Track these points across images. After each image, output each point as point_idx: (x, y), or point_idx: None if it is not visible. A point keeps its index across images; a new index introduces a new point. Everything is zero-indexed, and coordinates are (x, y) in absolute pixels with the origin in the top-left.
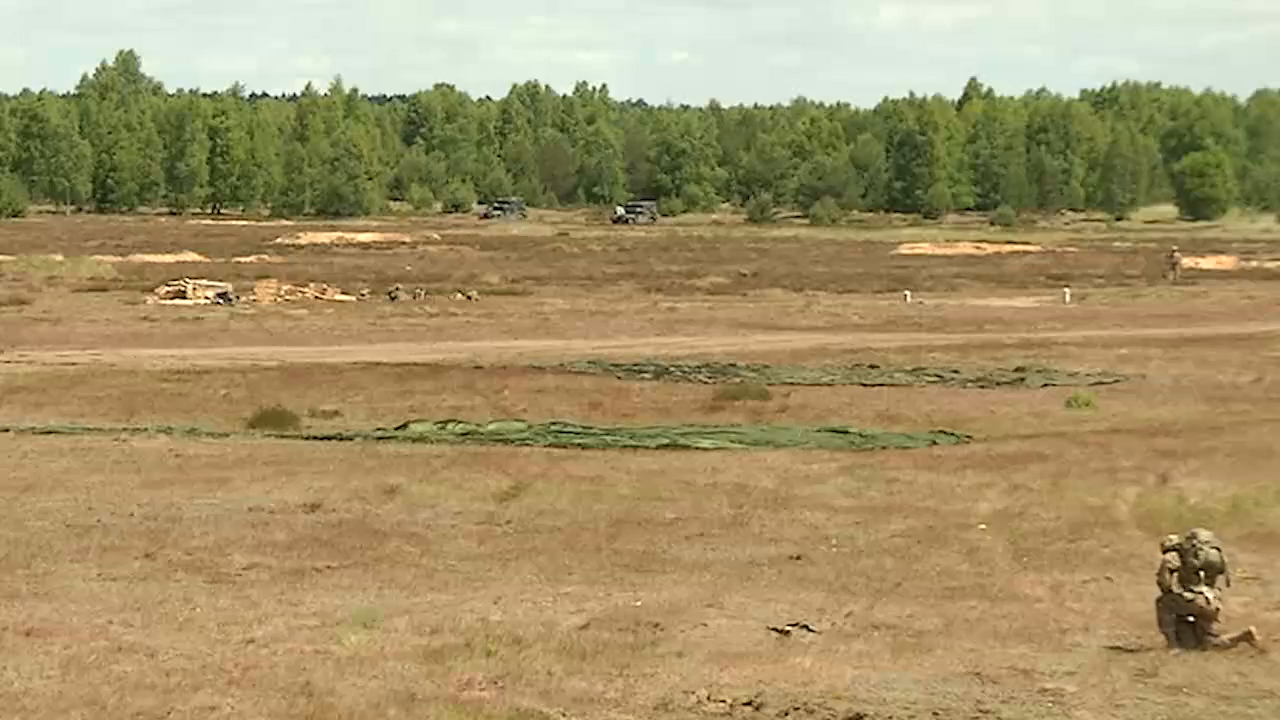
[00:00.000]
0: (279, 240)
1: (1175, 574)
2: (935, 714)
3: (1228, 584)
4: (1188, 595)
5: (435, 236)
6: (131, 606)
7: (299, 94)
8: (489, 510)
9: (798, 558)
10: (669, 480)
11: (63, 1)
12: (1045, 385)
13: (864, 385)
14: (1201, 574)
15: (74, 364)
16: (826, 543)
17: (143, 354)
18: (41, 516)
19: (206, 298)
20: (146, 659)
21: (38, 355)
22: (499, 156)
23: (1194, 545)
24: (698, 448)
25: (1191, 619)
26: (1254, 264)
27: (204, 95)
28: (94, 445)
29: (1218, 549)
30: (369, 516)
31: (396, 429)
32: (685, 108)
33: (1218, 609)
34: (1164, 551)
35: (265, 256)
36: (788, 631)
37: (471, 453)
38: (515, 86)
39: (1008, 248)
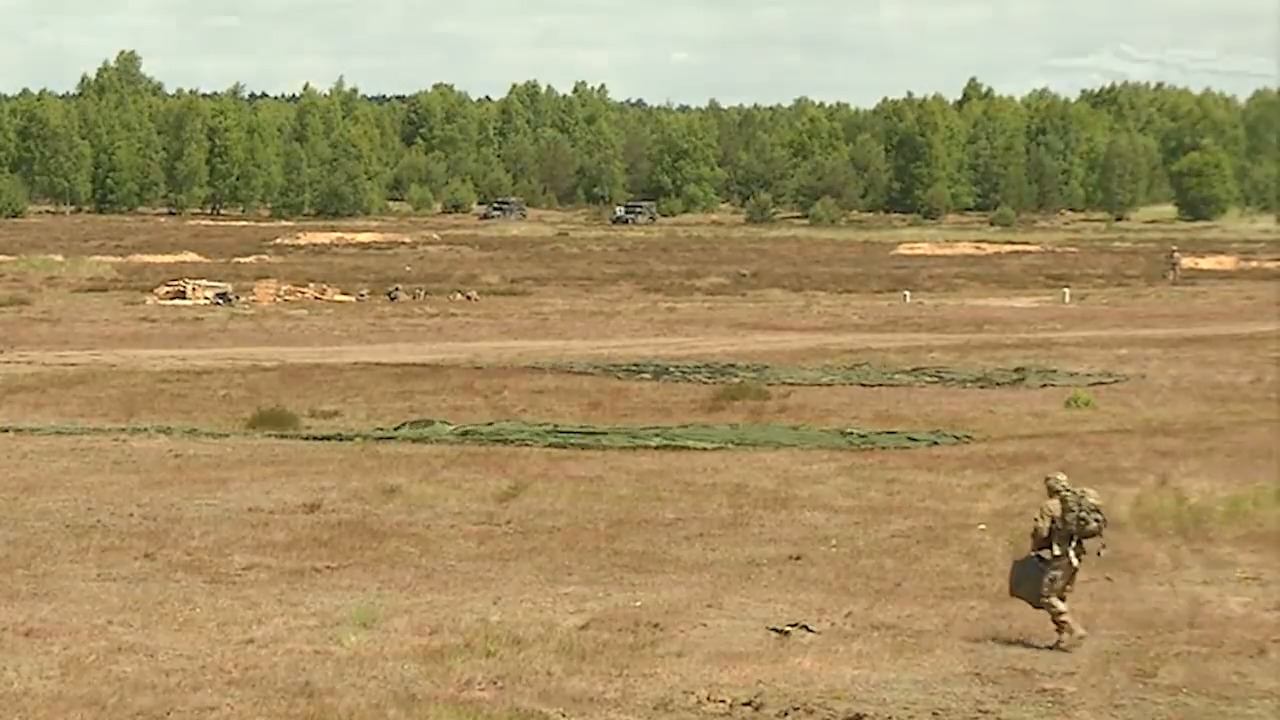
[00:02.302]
0: (278, 240)
1: (1051, 524)
2: (935, 714)
3: (1099, 552)
4: (1056, 552)
5: (435, 236)
6: (131, 607)
7: (299, 94)
8: (489, 510)
9: (798, 558)
10: (669, 480)
11: (63, 2)
12: (1045, 385)
13: (864, 385)
14: (1074, 538)
15: (74, 364)
16: (826, 543)
17: (142, 354)
18: (41, 517)
19: (206, 298)
20: (146, 659)
21: (38, 355)
22: (499, 156)
23: (1080, 513)
24: (697, 448)
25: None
26: (1254, 264)
27: (203, 95)
28: (94, 445)
29: (1100, 520)
30: (369, 516)
31: (396, 429)
32: (685, 108)
33: (1075, 571)
34: (1050, 494)
35: (265, 257)
36: (787, 631)
37: (471, 453)
38: (515, 86)
39: (1007, 248)
